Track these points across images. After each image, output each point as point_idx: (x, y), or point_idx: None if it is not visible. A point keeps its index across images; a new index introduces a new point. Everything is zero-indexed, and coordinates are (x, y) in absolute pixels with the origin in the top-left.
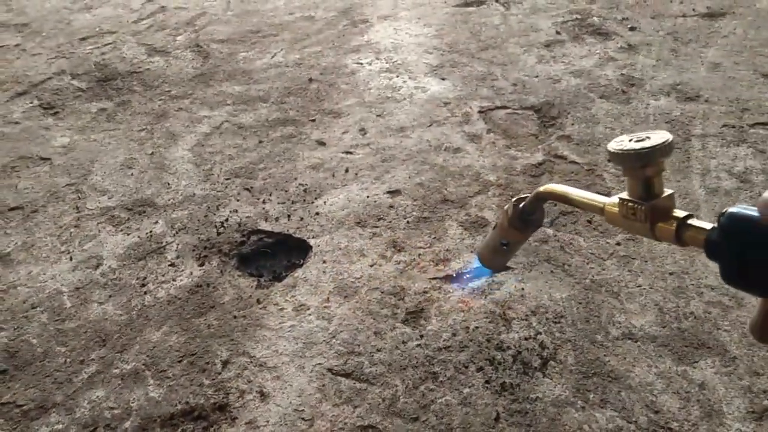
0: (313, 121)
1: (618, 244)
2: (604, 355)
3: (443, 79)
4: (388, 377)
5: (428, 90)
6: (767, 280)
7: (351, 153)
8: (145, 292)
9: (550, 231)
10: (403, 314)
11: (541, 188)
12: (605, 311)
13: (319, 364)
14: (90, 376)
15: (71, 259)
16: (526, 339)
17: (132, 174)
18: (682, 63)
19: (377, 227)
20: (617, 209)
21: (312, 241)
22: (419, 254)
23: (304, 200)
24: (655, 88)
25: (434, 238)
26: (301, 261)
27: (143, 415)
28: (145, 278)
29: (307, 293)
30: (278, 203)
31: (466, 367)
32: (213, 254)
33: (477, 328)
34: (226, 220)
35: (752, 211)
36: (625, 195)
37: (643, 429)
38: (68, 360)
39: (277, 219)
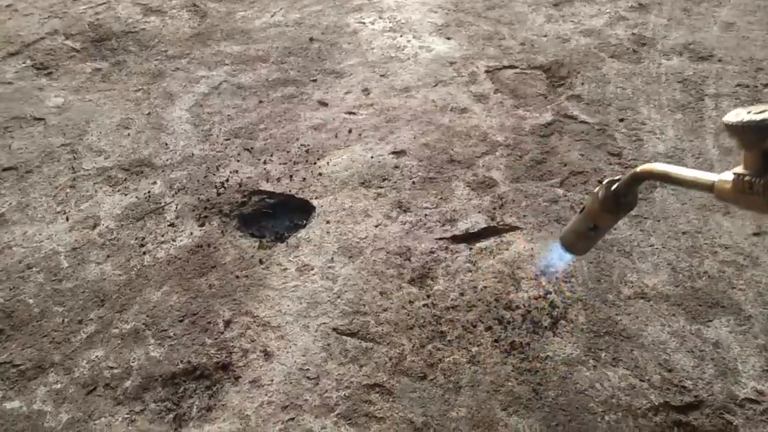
0: (315, 81)
1: None
2: (616, 314)
3: (449, 38)
4: (395, 336)
5: (433, 49)
6: None
7: (354, 113)
8: (144, 253)
9: (560, 191)
10: (409, 274)
11: (638, 168)
12: (617, 271)
13: (324, 323)
14: (89, 335)
15: (67, 219)
16: (535, 298)
17: (128, 134)
18: (694, 22)
19: (382, 188)
20: (730, 185)
21: (315, 202)
22: (425, 215)
23: (307, 161)
24: (666, 48)
25: (440, 198)
26: (304, 222)
27: (144, 374)
28: (143, 238)
29: (311, 253)
30: (280, 164)
31: (475, 327)
32: (213, 215)
33: (485, 287)
34: (227, 180)
35: None
36: (739, 169)
37: (657, 387)
38: (66, 320)
39: (278, 179)
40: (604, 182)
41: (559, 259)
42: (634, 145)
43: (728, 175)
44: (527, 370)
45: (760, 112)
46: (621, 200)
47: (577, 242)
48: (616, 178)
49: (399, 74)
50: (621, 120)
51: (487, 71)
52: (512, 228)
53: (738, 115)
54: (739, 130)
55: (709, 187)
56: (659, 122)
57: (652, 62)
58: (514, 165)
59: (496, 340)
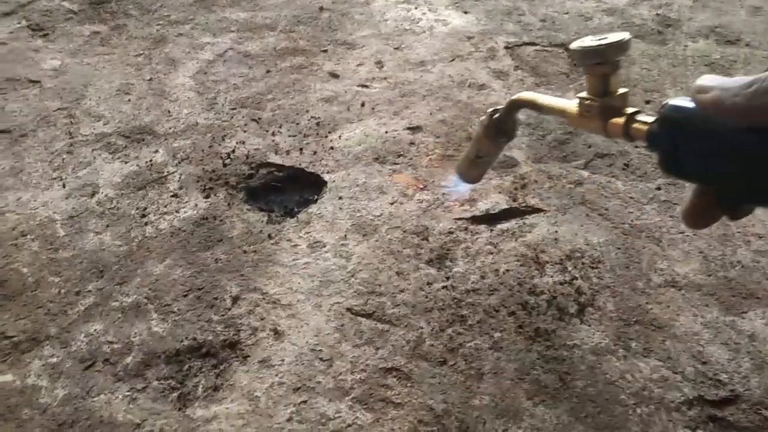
0: (325, 51)
1: (658, 188)
2: (646, 303)
3: (466, 12)
4: (412, 319)
5: (449, 23)
6: (701, 168)
7: (367, 86)
8: (146, 223)
9: (584, 173)
10: (427, 255)
11: (513, 96)
12: (646, 257)
13: (338, 303)
14: (87, 308)
15: (64, 186)
16: (561, 284)
17: (129, 100)
18: (721, 5)
19: (397, 164)
20: (576, 109)
21: (326, 177)
22: (443, 193)
23: (317, 134)
24: (692, 30)
25: None
26: (315, 197)
27: (146, 351)
28: (145, 209)
29: (323, 230)
30: (289, 136)
31: (497, 311)
32: (219, 186)
33: (508, 271)
34: (233, 151)
35: (691, 102)
36: (583, 94)
37: (690, 380)
38: (63, 291)
39: (288, 152)
40: (489, 110)
41: (456, 186)
42: None
43: (575, 100)
44: (553, 358)
45: (601, 39)
46: (501, 127)
47: (467, 170)
48: (499, 107)
49: (414, 47)
50: (647, 102)
51: (506, 47)
52: (535, 210)
53: (583, 41)
54: (579, 55)
55: (564, 113)
56: None
57: (678, 44)
58: (536, 145)
59: (519, 326)
